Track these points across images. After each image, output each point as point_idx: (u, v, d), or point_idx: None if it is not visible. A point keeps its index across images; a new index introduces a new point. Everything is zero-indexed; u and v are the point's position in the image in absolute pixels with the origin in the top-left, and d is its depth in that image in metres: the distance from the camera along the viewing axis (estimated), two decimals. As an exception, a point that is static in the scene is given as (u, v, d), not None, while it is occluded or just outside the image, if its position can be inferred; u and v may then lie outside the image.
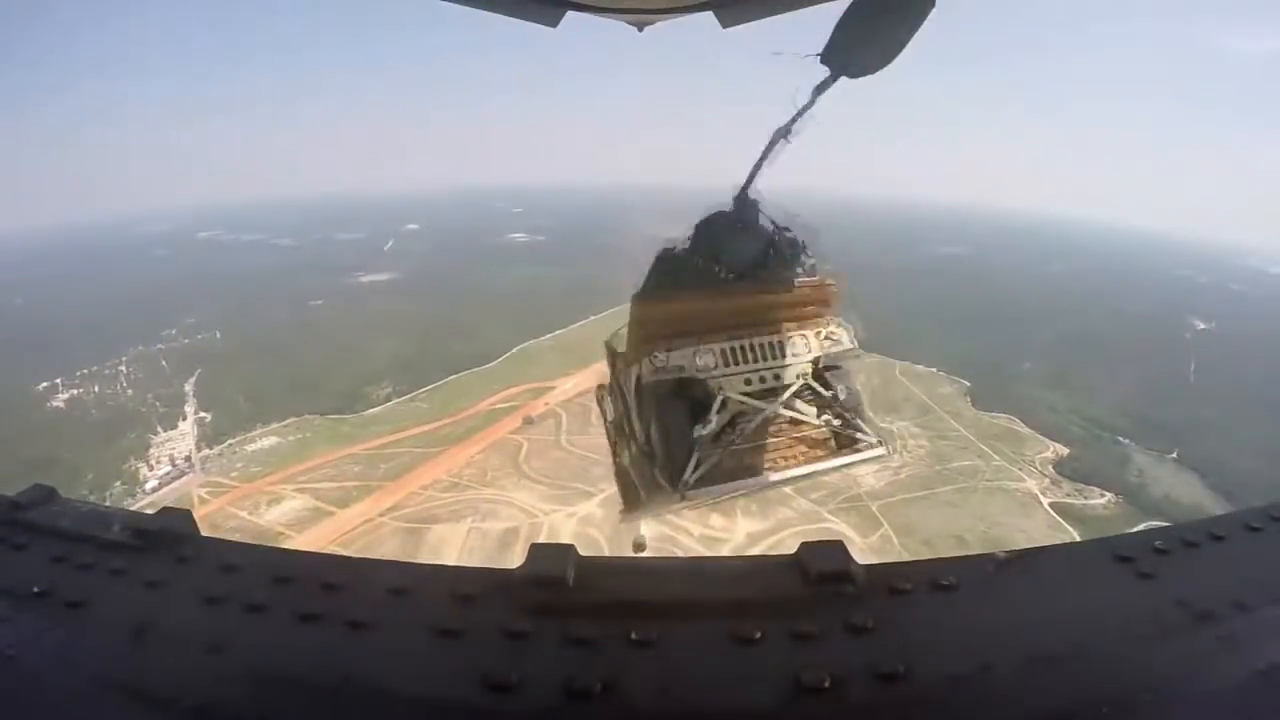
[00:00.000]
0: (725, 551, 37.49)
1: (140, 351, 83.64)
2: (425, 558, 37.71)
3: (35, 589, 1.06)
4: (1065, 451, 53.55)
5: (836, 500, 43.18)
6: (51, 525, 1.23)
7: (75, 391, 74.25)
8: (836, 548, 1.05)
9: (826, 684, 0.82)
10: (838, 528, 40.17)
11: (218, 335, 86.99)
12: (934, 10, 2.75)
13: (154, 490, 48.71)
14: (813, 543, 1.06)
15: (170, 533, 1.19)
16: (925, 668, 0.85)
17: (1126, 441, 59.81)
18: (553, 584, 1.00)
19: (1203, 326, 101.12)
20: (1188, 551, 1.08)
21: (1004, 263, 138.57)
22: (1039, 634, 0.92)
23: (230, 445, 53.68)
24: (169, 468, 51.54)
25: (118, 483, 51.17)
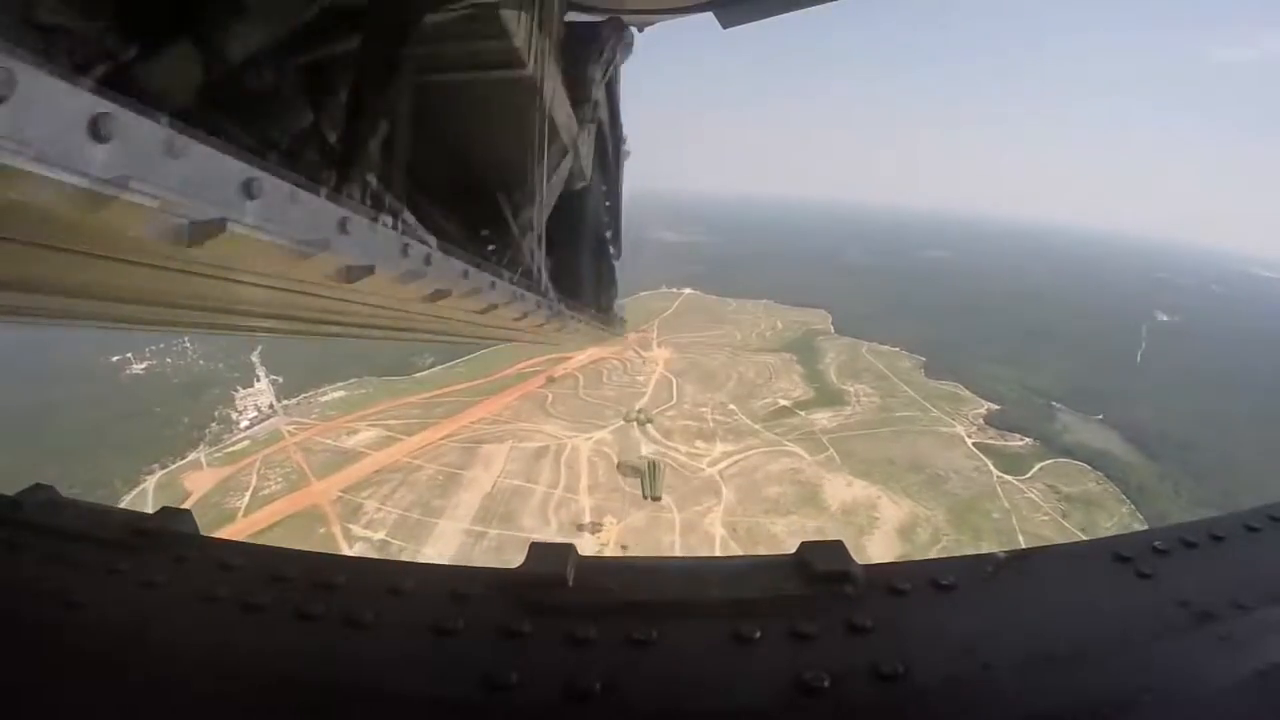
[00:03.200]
0: (704, 461, 50.83)
1: (198, 333, 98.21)
2: (475, 473, 51.09)
3: (34, 589, 1.09)
4: (997, 409, 66.61)
5: (795, 434, 56.49)
6: (50, 524, 1.27)
7: (149, 363, 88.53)
8: (837, 547, 1.08)
9: (826, 684, 0.84)
10: (793, 448, 53.46)
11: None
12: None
13: (247, 428, 62.59)
14: (813, 542, 1.10)
15: (169, 532, 1.23)
16: (925, 668, 0.87)
17: (1058, 405, 72.68)
18: (552, 583, 1.02)
19: (1164, 319, 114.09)
20: (1187, 551, 1.13)
21: (987, 266, 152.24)
22: (1039, 634, 0.95)
23: (305, 397, 67.67)
24: (255, 412, 65.47)
25: (213, 424, 65.00)
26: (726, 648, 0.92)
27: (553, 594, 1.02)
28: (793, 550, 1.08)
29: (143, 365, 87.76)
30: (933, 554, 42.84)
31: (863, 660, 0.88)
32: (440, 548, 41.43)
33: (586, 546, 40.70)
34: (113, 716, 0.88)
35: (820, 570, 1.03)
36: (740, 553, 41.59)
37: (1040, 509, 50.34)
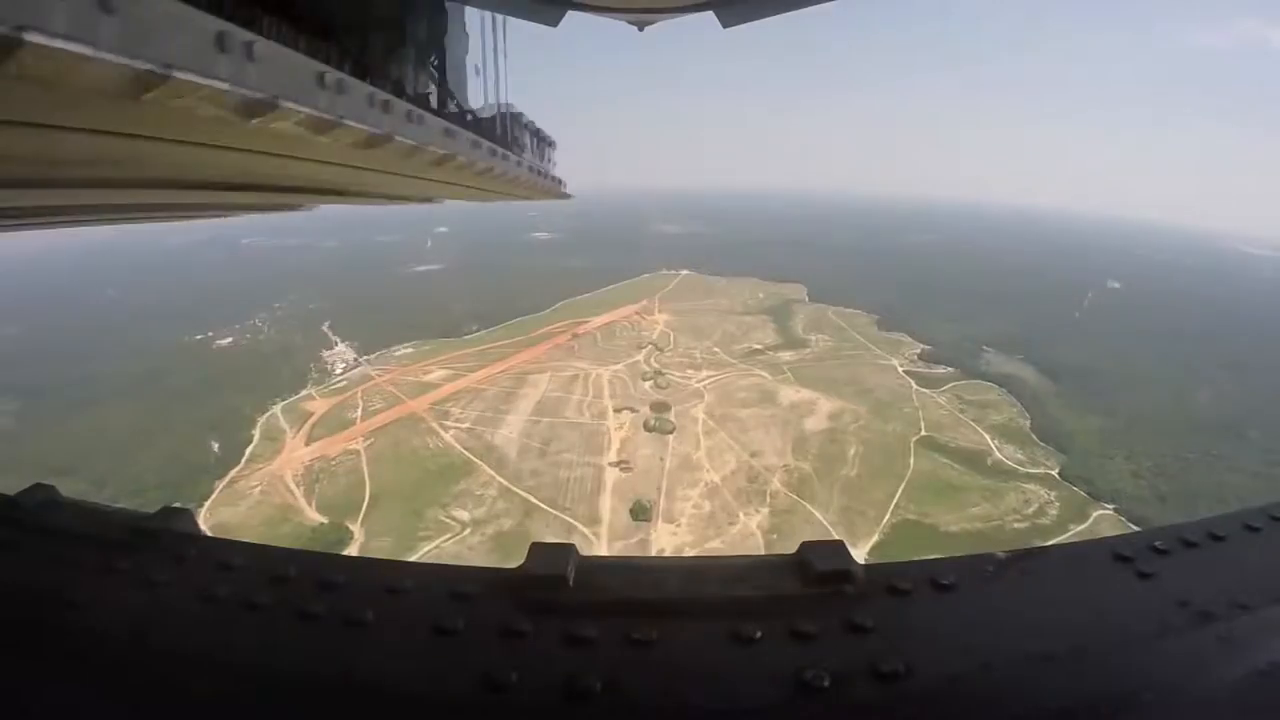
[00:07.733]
0: (694, 381, 72.86)
1: (264, 316, 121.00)
2: (527, 391, 73.26)
3: (33, 589, 1.13)
4: (930, 348, 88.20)
5: (762, 365, 78.81)
6: (50, 524, 1.32)
7: (230, 338, 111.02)
8: (837, 546, 1.13)
9: (826, 684, 0.87)
10: (759, 372, 75.73)
11: (323, 304, 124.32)
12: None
13: (341, 373, 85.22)
14: (813, 542, 1.15)
15: (170, 532, 1.28)
16: (925, 667, 0.90)
17: (988, 349, 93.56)
18: (552, 583, 1.07)
19: (1114, 285, 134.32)
20: (1187, 551, 1.18)
21: (968, 248, 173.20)
22: (1039, 634, 0.98)
23: (380, 354, 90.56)
24: (344, 364, 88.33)
25: (312, 373, 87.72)
26: (726, 647, 0.96)
27: (553, 593, 1.07)
28: (792, 549, 1.14)
29: (227, 340, 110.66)
30: (850, 430, 64.38)
31: (863, 660, 0.92)
32: (509, 430, 63.79)
33: (620, 420, 62.29)
34: (113, 717, 0.91)
35: (820, 570, 1.09)
36: (715, 426, 63.53)
37: (943, 408, 71.99)
